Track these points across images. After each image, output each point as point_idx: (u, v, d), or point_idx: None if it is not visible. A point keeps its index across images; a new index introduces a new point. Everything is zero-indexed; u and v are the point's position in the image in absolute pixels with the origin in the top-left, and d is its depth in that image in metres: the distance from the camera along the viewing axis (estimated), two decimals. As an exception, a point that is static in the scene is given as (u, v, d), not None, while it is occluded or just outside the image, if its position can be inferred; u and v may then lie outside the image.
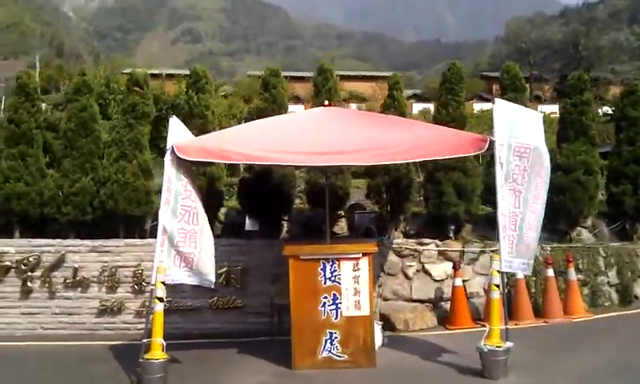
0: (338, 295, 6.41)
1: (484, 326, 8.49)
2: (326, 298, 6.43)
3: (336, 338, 6.39)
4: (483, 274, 9.17)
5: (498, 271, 6.16)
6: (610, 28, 64.06)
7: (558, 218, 10.33)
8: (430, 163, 9.75)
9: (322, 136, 6.66)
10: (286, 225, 10.29)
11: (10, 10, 79.90)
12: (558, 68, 61.02)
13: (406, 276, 9.04)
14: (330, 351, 6.39)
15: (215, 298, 8.50)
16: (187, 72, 11.76)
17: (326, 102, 7.94)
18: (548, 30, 60.68)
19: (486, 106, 44.45)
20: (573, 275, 9.10)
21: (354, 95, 58.23)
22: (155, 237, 6.26)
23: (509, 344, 6.02)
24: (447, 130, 7.00)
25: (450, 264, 9.08)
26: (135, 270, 8.54)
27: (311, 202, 9.81)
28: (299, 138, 6.67)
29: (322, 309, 6.42)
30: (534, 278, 9.15)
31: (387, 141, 6.47)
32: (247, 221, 9.79)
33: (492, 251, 9.36)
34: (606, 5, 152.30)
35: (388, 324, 8.26)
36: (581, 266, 9.65)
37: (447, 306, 8.86)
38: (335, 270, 6.43)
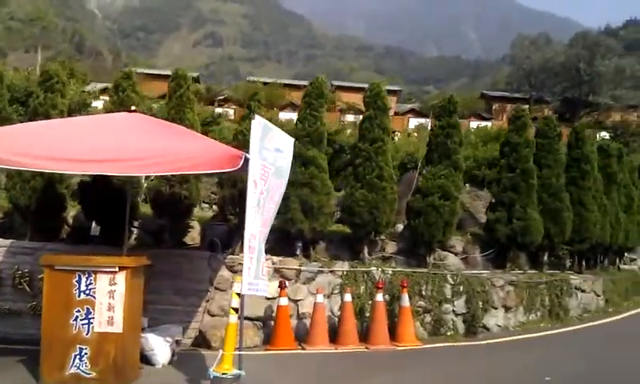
0: (91, 310, 6.19)
1: (304, 348, 8.42)
2: (79, 311, 6.21)
3: (86, 354, 6.17)
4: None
5: (239, 294, 5.95)
6: (613, 53, 62.97)
7: (417, 243, 10.06)
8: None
9: (98, 142, 6.51)
10: (135, 232, 10.15)
11: (35, 3, 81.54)
12: (559, 91, 60.31)
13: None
14: (78, 367, 6.16)
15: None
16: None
17: (133, 108, 7.78)
18: (550, 52, 59.81)
19: (483, 123, 43.96)
20: (406, 301, 8.78)
21: (353, 107, 58.31)
22: None
23: (237, 372, 5.79)
24: (215, 144, 6.78)
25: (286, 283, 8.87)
26: None
27: (156, 209, 9.66)
28: (72, 142, 6.52)
29: (74, 323, 6.20)
30: (369, 302, 8.89)
31: (158, 150, 6.29)
32: (93, 225, 9.67)
33: (330, 271, 9.23)
34: (628, 31, 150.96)
35: (205, 341, 8.09)
36: (424, 293, 9.34)
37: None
38: (91, 283, 6.22)
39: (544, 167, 11.66)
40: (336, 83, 64.20)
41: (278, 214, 9.41)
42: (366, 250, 9.80)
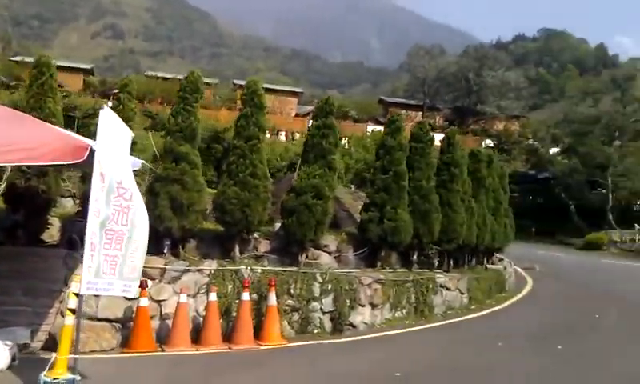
0: None
1: (163, 350, 8.20)
2: None
3: None
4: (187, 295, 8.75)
5: (77, 294, 5.68)
6: (501, 65, 67.22)
7: (290, 241, 10.14)
8: (153, 174, 9.30)
9: None
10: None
11: None
12: (451, 99, 63.58)
13: (95, 292, 8.43)
14: None
15: None
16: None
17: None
18: (443, 62, 62.90)
19: (378, 128, 44.88)
20: (273, 300, 8.82)
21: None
22: None
23: (71, 376, 5.52)
24: (61, 135, 6.44)
25: (150, 283, 8.60)
26: None
27: (10, 204, 9.05)
28: None
29: None
30: (237, 301, 8.83)
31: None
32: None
33: (197, 270, 9.08)
34: (517, 45, 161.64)
35: (56, 344, 7.62)
36: (293, 291, 9.43)
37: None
38: None
39: (416, 170, 12.17)
40: (238, 82, 63.82)
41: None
42: (237, 249, 9.74)
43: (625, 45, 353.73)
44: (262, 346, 8.55)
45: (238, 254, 9.72)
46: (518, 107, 62.10)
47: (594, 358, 8.79)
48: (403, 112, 65.86)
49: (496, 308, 13.31)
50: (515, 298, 14.92)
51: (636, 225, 35.63)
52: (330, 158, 10.33)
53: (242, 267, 9.24)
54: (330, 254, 11.14)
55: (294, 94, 66.70)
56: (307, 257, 10.58)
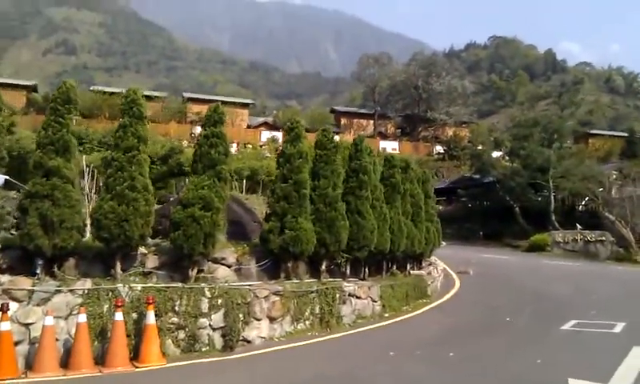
0: None
1: (27, 376, 7.66)
2: None
3: None
4: (58, 317, 8.23)
5: None
6: (454, 74, 68.31)
7: (180, 256, 9.70)
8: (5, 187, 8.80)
9: None
10: None
11: None
12: (401, 107, 64.16)
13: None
14: None
15: None
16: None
17: None
18: (392, 70, 63.45)
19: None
20: (151, 319, 8.36)
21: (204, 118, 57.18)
22: None
23: None
24: None
25: (16, 305, 8.06)
26: None
27: None
28: None
29: None
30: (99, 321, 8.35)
31: None
32: None
33: (69, 290, 8.54)
34: (469, 53, 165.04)
35: None
36: (178, 309, 8.99)
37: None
38: None
39: (322, 178, 11.89)
40: (187, 95, 63.05)
41: (17, 229, 8.61)
42: (118, 266, 9.23)
43: (572, 51, 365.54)
44: (138, 367, 8.10)
45: (119, 271, 9.20)
46: (467, 113, 62.99)
47: (481, 362, 8.60)
48: (356, 120, 66.93)
49: (410, 315, 13.10)
50: (434, 304, 14.76)
51: (578, 225, 36.31)
52: (219, 168, 9.91)
53: (120, 285, 8.75)
54: (229, 266, 10.71)
55: (244, 105, 66.32)
56: (202, 271, 10.14)
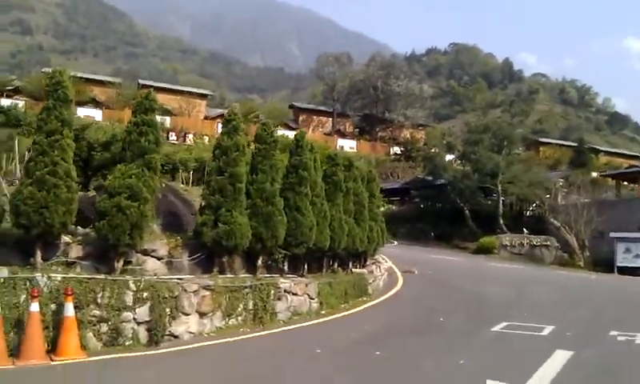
0: None
1: None
2: None
3: None
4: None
5: None
6: (413, 77, 69.11)
7: (106, 246, 9.36)
8: None
9: None
10: None
11: None
12: (360, 106, 64.48)
13: None
14: None
15: None
16: None
17: None
18: (352, 70, 63.73)
19: (288, 133, 44.36)
20: (70, 311, 8.01)
21: (159, 107, 56.20)
22: None
23: None
24: None
25: None
26: None
27: None
28: None
29: None
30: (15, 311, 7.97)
31: None
32: None
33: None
34: (430, 58, 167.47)
35: None
36: (100, 301, 8.66)
37: None
38: None
39: (260, 172, 11.73)
40: (143, 82, 61.65)
41: None
42: (38, 255, 8.82)
43: (529, 61, 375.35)
44: (54, 360, 7.75)
45: (39, 260, 8.81)
46: (424, 116, 63.86)
47: (404, 362, 8.61)
48: (315, 117, 66.91)
49: (347, 313, 13.07)
50: (374, 302, 14.80)
51: (525, 230, 37.25)
52: (149, 158, 9.59)
53: (38, 275, 8.36)
54: (159, 259, 10.43)
55: (202, 96, 65.45)
56: (130, 263, 9.82)
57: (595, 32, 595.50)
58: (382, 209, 38.11)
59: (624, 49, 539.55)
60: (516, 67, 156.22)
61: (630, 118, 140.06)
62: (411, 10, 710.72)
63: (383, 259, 22.88)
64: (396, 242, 38.60)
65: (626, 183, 41.72)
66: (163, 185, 13.66)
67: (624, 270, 30.38)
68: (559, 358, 8.93)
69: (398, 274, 21.34)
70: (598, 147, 72.26)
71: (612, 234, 32.10)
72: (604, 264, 31.55)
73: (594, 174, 48.77)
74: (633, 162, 58.60)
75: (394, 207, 47.75)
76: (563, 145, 65.48)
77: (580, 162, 55.55)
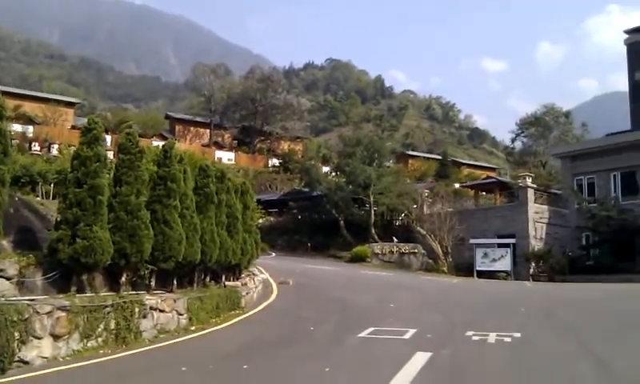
0: None
1: None
2: None
3: None
4: None
5: None
6: (290, 90, 70.11)
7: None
8: None
9: None
10: None
11: None
12: (238, 118, 64.21)
13: None
14: None
15: None
16: None
17: None
18: (229, 82, 63.39)
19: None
20: None
21: (21, 116, 51.93)
22: None
23: None
24: None
25: None
26: None
27: None
28: None
29: None
30: None
31: None
32: None
33: None
34: (307, 72, 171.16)
35: None
36: None
37: None
38: None
39: (124, 184, 11.23)
40: (3, 89, 56.71)
41: None
42: None
43: (399, 78, 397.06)
44: None
45: None
46: (302, 129, 64.97)
47: (270, 374, 8.61)
48: (192, 128, 65.48)
49: (218, 327, 12.86)
50: (246, 315, 14.70)
51: (394, 238, 39.09)
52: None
53: None
54: (8, 279, 9.57)
55: (70, 104, 61.56)
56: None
57: (460, 52, 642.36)
58: (261, 221, 38.28)
59: (483, 69, 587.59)
60: (387, 84, 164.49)
61: (489, 133, 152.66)
62: (292, 25, 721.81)
63: (259, 271, 22.88)
64: (274, 254, 38.80)
65: (484, 193, 45.28)
66: (16, 199, 12.67)
67: (482, 274, 32.97)
68: (419, 359, 9.40)
69: (274, 285, 21.41)
70: (460, 160, 78.29)
71: (472, 241, 34.76)
72: (465, 269, 34.03)
73: (457, 185, 52.49)
74: (490, 173, 63.85)
75: (272, 219, 47.99)
76: (429, 158, 69.71)
77: (444, 174, 59.62)
